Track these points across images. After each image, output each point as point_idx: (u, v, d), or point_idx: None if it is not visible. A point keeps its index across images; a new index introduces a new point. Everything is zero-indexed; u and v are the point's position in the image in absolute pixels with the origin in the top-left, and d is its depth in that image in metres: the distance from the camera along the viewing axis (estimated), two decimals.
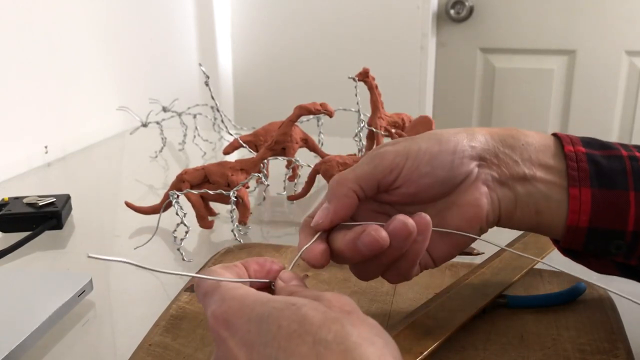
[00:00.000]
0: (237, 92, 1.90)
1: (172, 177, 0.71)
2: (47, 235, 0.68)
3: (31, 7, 1.01)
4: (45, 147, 1.04)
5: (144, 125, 1.12)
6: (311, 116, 0.78)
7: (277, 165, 0.82)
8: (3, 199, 0.72)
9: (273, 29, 1.83)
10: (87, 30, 1.18)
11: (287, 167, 0.81)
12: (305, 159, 0.79)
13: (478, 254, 0.51)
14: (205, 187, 0.67)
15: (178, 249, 0.64)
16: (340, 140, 0.98)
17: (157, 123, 1.07)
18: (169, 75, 1.53)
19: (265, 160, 0.71)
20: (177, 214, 0.63)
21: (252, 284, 0.36)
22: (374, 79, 0.85)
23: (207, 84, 0.73)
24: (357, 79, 0.83)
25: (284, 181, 0.82)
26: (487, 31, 1.81)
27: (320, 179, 0.74)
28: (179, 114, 1.07)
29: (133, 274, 0.58)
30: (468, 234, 0.40)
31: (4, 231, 0.69)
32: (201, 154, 1.05)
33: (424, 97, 1.79)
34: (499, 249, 0.52)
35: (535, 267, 0.51)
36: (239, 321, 0.30)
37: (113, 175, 1.00)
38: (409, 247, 0.38)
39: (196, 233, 0.68)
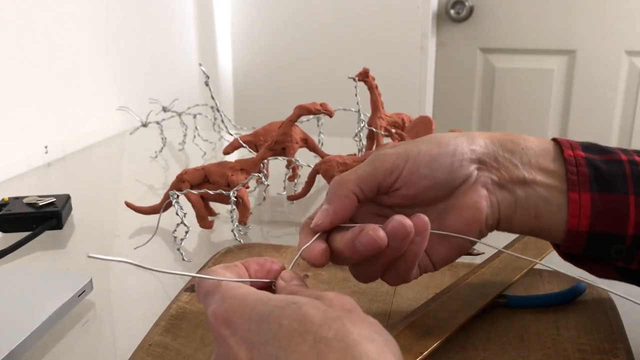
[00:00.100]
0: (237, 92, 1.90)
1: (172, 177, 0.71)
2: (47, 235, 0.68)
3: (31, 7, 1.01)
4: (45, 147, 1.04)
5: (144, 125, 1.12)
6: (311, 116, 0.78)
7: (277, 165, 0.82)
8: (3, 199, 0.72)
9: (273, 29, 1.83)
10: (87, 30, 1.18)
11: (287, 167, 0.81)
12: (305, 159, 0.79)
13: (478, 254, 0.51)
14: (205, 187, 0.67)
15: (178, 249, 0.64)
16: (340, 140, 0.98)
17: (157, 123, 1.07)
18: (169, 75, 1.53)
19: (265, 160, 0.71)
20: (177, 214, 0.63)
21: (252, 284, 0.36)
22: (374, 79, 0.85)
23: (207, 84, 0.73)
24: (357, 79, 0.83)
25: (284, 181, 0.82)
26: (487, 31, 1.81)
27: (320, 179, 0.74)
28: (179, 114, 1.07)
29: (133, 274, 0.58)
30: (467, 237, 0.40)
31: (4, 231, 0.69)
32: (201, 154, 1.05)
33: (424, 97, 1.79)
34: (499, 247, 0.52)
35: (535, 267, 0.51)
36: (239, 320, 0.30)
37: (113, 175, 1.00)
38: (408, 248, 0.38)
39: (196, 233, 0.68)
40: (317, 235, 0.39)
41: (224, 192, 0.65)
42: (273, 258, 0.38)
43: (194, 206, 0.67)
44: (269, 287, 0.37)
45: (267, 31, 1.84)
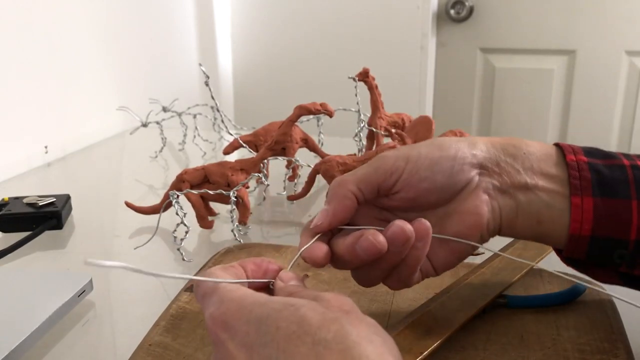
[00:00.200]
0: (237, 92, 1.90)
1: (172, 177, 0.71)
2: (47, 235, 0.68)
3: (31, 7, 1.01)
4: (45, 147, 1.04)
5: (144, 125, 1.12)
6: (311, 116, 0.78)
7: (277, 165, 0.82)
8: (3, 199, 0.72)
9: (273, 29, 1.83)
10: (87, 30, 1.18)
11: (287, 167, 0.81)
12: (305, 159, 0.79)
13: (478, 254, 0.51)
14: (205, 187, 0.67)
15: (178, 249, 0.64)
16: (340, 140, 0.98)
17: (157, 123, 1.07)
18: (169, 75, 1.53)
19: (265, 160, 0.71)
20: (177, 214, 0.63)
21: (250, 285, 0.36)
22: (374, 79, 0.85)
23: (207, 84, 0.73)
24: (357, 79, 0.83)
25: (284, 181, 0.82)
26: (487, 31, 1.81)
27: (320, 179, 0.74)
28: (179, 114, 1.07)
29: (133, 274, 0.57)
30: (468, 242, 0.40)
31: (4, 231, 0.69)
32: (201, 154, 1.05)
33: (424, 97, 1.79)
34: (499, 248, 0.52)
35: (536, 267, 0.51)
36: (237, 323, 0.30)
37: (113, 175, 1.00)
38: (409, 253, 0.38)
39: (196, 233, 0.68)
40: (317, 237, 0.39)
41: (224, 192, 0.65)
42: (272, 258, 0.38)
43: (194, 206, 0.67)
44: (267, 287, 0.37)
45: (267, 31, 1.84)
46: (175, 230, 0.66)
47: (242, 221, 0.68)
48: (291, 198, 0.77)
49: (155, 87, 1.41)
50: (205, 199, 0.68)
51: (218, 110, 0.83)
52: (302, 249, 0.39)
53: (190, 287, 0.50)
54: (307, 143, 0.83)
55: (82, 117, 1.17)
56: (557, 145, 0.42)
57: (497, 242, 0.45)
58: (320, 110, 0.70)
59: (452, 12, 1.80)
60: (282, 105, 1.08)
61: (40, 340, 0.46)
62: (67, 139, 1.10)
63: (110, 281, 0.58)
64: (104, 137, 1.20)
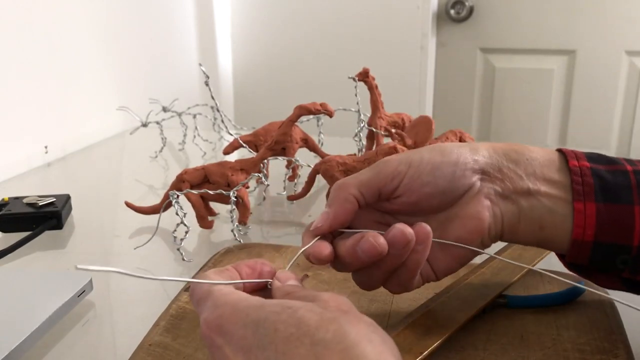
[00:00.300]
0: (237, 92, 1.90)
1: (172, 177, 0.71)
2: (47, 235, 0.68)
3: (31, 7, 1.01)
4: (45, 147, 1.04)
5: (144, 125, 1.12)
6: (311, 116, 0.78)
7: (277, 165, 0.82)
8: (3, 199, 0.72)
9: (273, 29, 1.83)
10: (87, 30, 1.18)
11: (287, 167, 0.81)
12: (305, 159, 0.79)
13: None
14: (205, 187, 0.67)
15: (178, 249, 0.64)
16: (340, 140, 0.98)
17: (157, 123, 1.07)
18: (169, 75, 1.53)
19: (265, 160, 0.71)
20: (177, 214, 0.63)
21: (246, 287, 0.36)
22: (374, 79, 0.85)
23: (207, 84, 0.73)
24: (357, 79, 0.83)
25: (284, 181, 0.82)
26: (487, 31, 1.81)
27: (320, 179, 0.74)
28: (179, 114, 1.07)
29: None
30: (469, 247, 0.40)
31: (4, 231, 0.69)
32: (201, 154, 1.05)
33: (424, 97, 1.79)
34: (499, 248, 0.52)
35: (534, 268, 0.51)
36: (233, 327, 0.30)
37: (113, 175, 1.00)
38: (409, 257, 0.38)
39: (196, 233, 0.68)
40: (317, 238, 0.40)
41: (224, 192, 0.65)
42: (272, 258, 0.38)
43: (194, 206, 0.67)
44: (265, 288, 0.37)
45: (267, 31, 1.84)
46: (175, 230, 0.66)
47: (242, 221, 0.68)
48: (291, 198, 0.77)
49: (155, 87, 1.41)
50: (205, 199, 0.68)
51: (218, 110, 0.83)
52: (302, 249, 0.39)
53: (189, 288, 0.50)
54: (307, 143, 0.83)
55: (82, 117, 1.17)
56: (559, 150, 0.42)
57: (497, 243, 0.45)
58: (320, 110, 0.70)
59: (452, 12, 1.80)
60: (282, 105, 1.08)
61: (40, 340, 0.46)
62: (67, 139, 1.10)
63: (110, 281, 0.58)
64: (104, 137, 1.20)
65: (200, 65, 0.79)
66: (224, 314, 0.31)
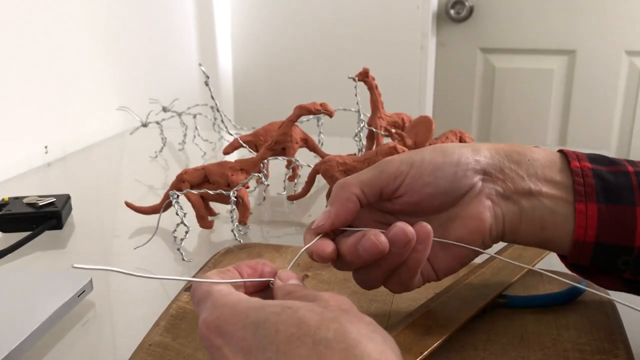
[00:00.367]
0: (237, 92, 1.90)
1: (172, 177, 0.71)
2: (47, 235, 0.68)
3: (31, 7, 1.01)
4: (45, 147, 1.04)
5: (144, 125, 1.12)
6: (311, 116, 0.78)
7: (277, 165, 0.82)
8: (3, 199, 0.72)
9: (273, 29, 1.83)
10: (87, 30, 1.18)
11: (287, 167, 0.81)
12: (305, 159, 0.79)
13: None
14: (205, 187, 0.67)
15: (178, 249, 0.64)
16: (340, 140, 0.98)
17: (157, 123, 1.07)
18: (169, 75, 1.53)
19: (265, 160, 0.71)
20: (177, 214, 0.63)
21: (248, 287, 0.36)
22: (374, 79, 0.85)
23: (207, 84, 0.73)
24: (357, 79, 0.83)
25: (284, 181, 0.82)
26: (487, 31, 1.81)
27: (320, 179, 0.74)
28: (179, 114, 1.07)
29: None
30: (469, 246, 0.40)
31: (4, 231, 0.69)
32: (201, 154, 1.05)
33: (424, 97, 1.79)
34: (499, 248, 0.52)
35: (534, 268, 0.51)
36: (233, 328, 0.29)
37: (113, 175, 1.00)
38: (410, 255, 0.38)
39: (196, 233, 0.68)
40: (318, 237, 0.40)
41: (224, 192, 0.65)
42: (272, 258, 0.38)
43: (194, 206, 0.67)
44: (266, 287, 0.37)
45: (267, 31, 1.84)
46: (175, 230, 0.66)
47: (242, 221, 0.68)
48: (291, 198, 0.77)
49: (155, 87, 1.41)
50: (205, 199, 0.68)
51: (218, 110, 0.83)
52: (304, 248, 0.39)
53: (189, 288, 0.50)
54: (307, 143, 0.83)
55: (82, 117, 1.17)
56: (561, 151, 0.42)
57: (497, 247, 0.45)
58: (320, 110, 0.70)
59: (452, 12, 1.80)
60: (282, 105, 1.08)
61: (40, 340, 0.46)
62: (67, 139, 1.10)
63: (110, 281, 0.58)
64: (104, 137, 1.20)
65: (200, 65, 0.79)
66: (223, 314, 0.30)
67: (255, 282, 0.36)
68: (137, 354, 0.42)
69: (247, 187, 0.72)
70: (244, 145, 0.80)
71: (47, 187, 0.91)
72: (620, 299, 0.42)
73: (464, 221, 0.40)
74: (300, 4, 1.80)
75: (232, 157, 0.85)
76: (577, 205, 0.39)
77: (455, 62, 1.86)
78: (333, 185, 0.44)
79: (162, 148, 1.05)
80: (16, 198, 0.72)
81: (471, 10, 1.80)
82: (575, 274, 0.43)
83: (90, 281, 0.53)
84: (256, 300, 0.31)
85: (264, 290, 0.37)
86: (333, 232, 0.41)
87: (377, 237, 0.37)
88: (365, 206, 0.41)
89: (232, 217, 0.64)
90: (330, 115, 0.72)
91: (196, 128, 1.11)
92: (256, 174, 0.68)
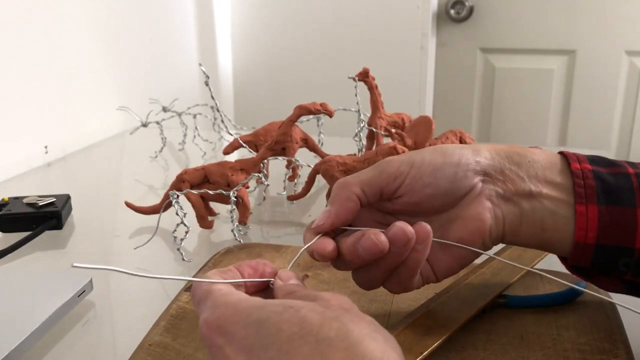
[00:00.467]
0: (237, 92, 1.90)
1: (172, 177, 0.71)
2: (47, 235, 0.68)
3: (31, 7, 1.01)
4: (45, 147, 1.04)
5: (144, 125, 1.12)
6: (311, 116, 0.78)
7: (277, 165, 0.82)
8: (3, 199, 0.72)
9: (273, 29, 1.83)
10: (87, 30, 1.18)
11: (287, 167, 0.81)
12: (305, 159, 0.79)
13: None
14: (205, 187, 0.67)
15: (178, 249, 0.64)
16: (340, 140, 0.98)
17: (157, 123, 1.07)
18: (169, 75, 1.53)
19: (265, 160, 0.71)
20: (177, 214, 0.63)
21: (248, 287, 0.36)
22: (374, 79, 0.85)
23: (207, 84, 0.73)
24: (357, 79, 0.83)
25: (284, 181, 0.82)
26: (487, 31, 1.81)
27: (320, 179, 0.74)
28: (179, 114, 1.07)
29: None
30: (469, 247, 0.40)
31: (4, 231, 0.69)
32: (201, 154, 1.05)
33: (424, 97, 1.79)
34: (499, 249, 0.52)
35: (533, 269, 0.51)
36: (234, 327, 0.29)
37: (113, 175, 1.00)
38: (409, 255, 0.38)
39: (196, 233, 0.68)
40: (319, 236, 0.40)
41: (224, 192, 0.65)
42: (272, 258, 0.38)
43: (194, 206, 0.67)
44: (266, 287, 0.37)
45: (267, 31, 1.84)
46: (175, 230, 0.66)
47: (242, 221, 0.68)
48: (291, 198, 0.77)
49: (155, 87, 1.41)
50: (205, 199, 0.68)
51: (218, 110, 0.83)
52: (304, 247, 0.39)
53: (189, 288, 0.50)
54: (307, 143, 0.83)
55: (82, 117, 1.17)
56: (561, 153, 0.42)
57: (497, 248, 0.45)
58: (320, 110, 0.70)
59: (452, 12, 1.80)
60: (282, 105, 1.08)
61: (40, 340, 0.46)
62: (67, 139, 1.10)
63: (110, 281, 0.58)
64: (104, 137, 1.20)
65: (200, 65, 0.79)
66: (224, 314, 0.30)
67: (256, 282, 0.36)
68: (137, 354, 0.42)
69: (247, 187, 0.72)
70: (244, 145, 0.80)
71: (47, 187, 0.91)
72: (620, 299, 0.42)
73: (464, 222, 0.40)
74: (300, 4, 1.80)
75: (232, 157, 0.85)
76: (577, 207, 0.39)
77: (455, 62, 1.86)
78: (333, 185, 0.44)
79: (162, 148, 1.05)
80: (16, 198, 0.72)
81: (471, 10, 1.80)
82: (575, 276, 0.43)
83: (90, 281, 0.53)
84: (257, 300, 0.31)
85: (264, 290, 0.37)
86: (333, 232, 0.41)
87: (377, 237, 0.37)
88: (366, 206, 0.41)
89: (232, 217, 0.64)
90: (330, 115, 0.72)
91: (196, 128, 1.11)
92: (256, 174, 0.68)
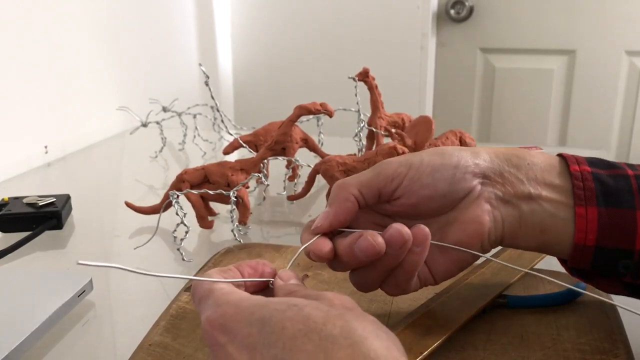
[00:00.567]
0: (237, 92, 1.90)
1: (172, 177, 0.71)
2: (47, 235, 0.68)
3: (31, 7, 1.01)
4: (45, 147, 1.04)
5: (144, 125, 1.12)
6: (311, 116, 0.78)
7: (277, 165, 0.82)
8: (3, 199, 0.72)
9: (273, 29, 1.83)
10: (87, 30, 1.18)
11: (287, 167, 0.81)
12: (305, 159, 0.79)
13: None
14: (205, 187, 0.67)
15: (178, 249, 0.64)
16: (340, 140, 0.98)
17: (157, 123, 1.07)
18: (169, 75, 1.53)
19: (265, 160, 0.71)
20: (177, 214, 0.63)
21: (248, 287, 0.36)
22: (374, 79, 0.85)
23: (207, 84, 0.73)
24: (357, 79, 0.83)
25: (284, 181, 0.82)
26: (487, 31, 1.81)
27: (320, 179, 0.74)
28: (179, 114, 1.07)
29: (133, 273, 0.57)
30: (467, 250, 0.40)
31: (4, 231, 0.69)
32: (201, 154, 1.05)
33: (424, 97, 1.79)
34: (499, 249, 0.52)
35: (533, 270, 0.51)
36: (237, 325, 0.29)
37: (113, 175, 1.00)
38: (407, 257, 0.38)
39: (196, 233, 0.68)
40: (317, 236, 0.40)
41: (224, 192, 0.65)
42: (272, 258, 0.38)
43: (194, 206, 0.67)
44: (266, 287, 0.37)
45: (267, 31, 1.84)
46: (175, 230, 0.66)
47: (242, 221, 0.68)
48: (291, 198, 0.77)
49: (155, 87, 1.41)
50: (205, 199, 0.68)
51: (218, 110, 0.83)
52: (302, 247, 0.39)
53: (190, 288, 0.50)
54: (307, 143, 0.83)
55: (82, 117, 1.17)
56: (560, 155, 0.42)
57: (496, 250, 0.45)
58: (320, 110, 0.70)
59: (452, 12, 1.80)
60: (282, 105, 1.08)
61: (40, 340, 0.46)
62: (67, 139, 1.10)
63: (110, 281, 0.58)
64: (104, 137, 1.20)
65: (200, 65, 0.79)
66: (227, 312, 0.31)
67: (256, 281, 0.36)
68: (137, 354, 0.42)
69: (247, 187, 0.72)
70: (244, 145, 0.80)
71: (47, 187, 0.91)
72: (621, 301, 0.42)
73: (463, 225, 0.40)
74: (300, 4, 1.80)
75: (232, 157, 0.85)
76: (577, 209, 0.39)
77: (455, 62, 1.86)
78: (333, 185, 0.44)
79: (162, 148, 1.05)
80: (16, 198, 0.72)
81: (471, 10, 1.80)
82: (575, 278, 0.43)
83: (90, 281, 0.53)
84: (259, 298, 0.31)
85: (263, 290, 0.37)
86: (331, 233, 0.41)
87: (374, 238, 0.37)
88: (364, 207, 0.41)
89: (232, 217, 0.64)
90: (330, 115, 0.72)
91: (196, 128, 1.11)
92: (256, 174, 0.68)
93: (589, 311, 0.45)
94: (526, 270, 0.44)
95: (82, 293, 0.52)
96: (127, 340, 0.47)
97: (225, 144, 0.87)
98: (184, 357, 0.41)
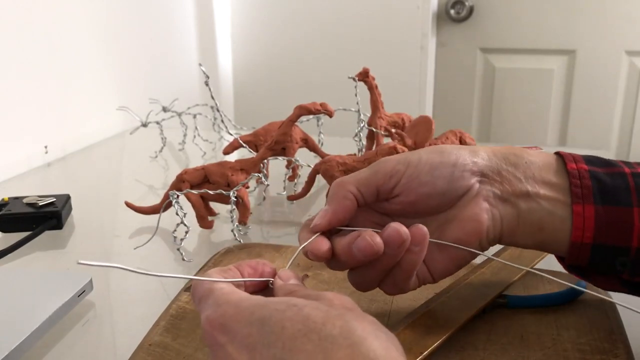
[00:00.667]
0: (237, 92, 1.90)
1: (172, 177, 0.71)
2: (47, 235, 0.68)
3: (31, 7, 1.01)
4: (45, 147, 1.04)
5: (144, 125, 1.12)
6: (311, 116, 0.78)
7: (277, 165, 0.82)
8: (3, 199, 0.72)
9: (273, 29, 1.83)
10: (87, 30, 1.18)
11: (287, 167, 0.81)
12: (305, 159, 0.79)
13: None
14: (205, 187, 0.67)
15: (178, 249, 0.64)
16: (340, 140, 0.98)
17: (157, 123, 1.07)
18: (169, 75, 1.53)
19: (265, 160, 0.71)
20: (177, 214, 0.63)
21: (248, 287, 0.36)
22: (374, 79, 0.85)
23: (207, 84, 0.73)
24: (357, 79, 0.83)
25: (284, 181, 0.82)
26: (487, 31, 1.81)
27: (320, 179, 0.74)
28: (179, 114, 1.07)
29: (133, 273, 0.57)
30: (466, 248, 0.40)
31: (4, 231, 0.69)
32: (201, 154, 1.05)
33: (424, 97, 1.79)
34: (499, 248, 0.52)
35: (532, 269, 0.51)
36: (237, 325, 0.30)
37: (113, 175, 1.00)
38: (405, 257, 0.38)
39: (196, 233, 0.68)
40: (315, 235, 0.40)
41: (224, 192, 0.65)
42: (272, 258, 0.38)
43: (194, 206, 0.67)
44: (265, 287, 0.37)
45: (267, 31, 1.84)
46: (175, 230, 0.66)
47: (242, 221, 0.68)
48: (291, 198, 0.77)
49: (155, 87, 1.41)
50: (205, 199, 0.68)
51: (218, 110, 0.83)
52: (302, 246, 0.39)
53: (190, 288, 0.50)
54: (307, 143, 0.83)
55: (82, 117, 1.17)
56: (557, 154, 0.42)
57: (496, 249, 0.45)
58: (320, 110, 0.70)
59: (452, 12, 1.80)
60: (282, 105, 1.08)
61: (40, 340, 0.46)
62: (67, 139, 1.10)
63: (110, 281, 0.58)
64: (104, 137, 1.20)
65: (200, 65, 0.79)
66: (227, 312, 0.31)
67: (255, 281, 0.36)
68: (137, 354, 0.42)
69: (247, 187, 0.72)
70: (244, 145, 0.80)
71: (47, 187, 0.91)
72: (621, 300, 0.42)
73: (461, 223, 0.40)
74: (300, 4, 1.80)
75: (232, 157, 0.85)
76: (574, 207, 0.39)
77: (455, 62, 1.86)
78: None
79: (162, 148, 1.05)
80: (16, 198, 0.72)
81: (471, 10, 1.80)
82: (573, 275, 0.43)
83: (90, 281, 0.53)
84: (259, 298, 0.31)
85: (263, 290, 0.37)
86: (329, 232, 0.41)
87: (372, 238, 0.37)
88: (363, 205, 0.41)
89: (232, 217, 0.64)
90: (330, 115, 0.72)
91: (196, 128, 1.11)
92: (256, 174, 0.68)
93: (589, 311, 0.45)
94: (527, 269, 0.44)
95: (82, 293, 0.52)
96: (127, 340, 0.47)
97: (225, 144, 0.87)
98: (184, 357, 0.41)
